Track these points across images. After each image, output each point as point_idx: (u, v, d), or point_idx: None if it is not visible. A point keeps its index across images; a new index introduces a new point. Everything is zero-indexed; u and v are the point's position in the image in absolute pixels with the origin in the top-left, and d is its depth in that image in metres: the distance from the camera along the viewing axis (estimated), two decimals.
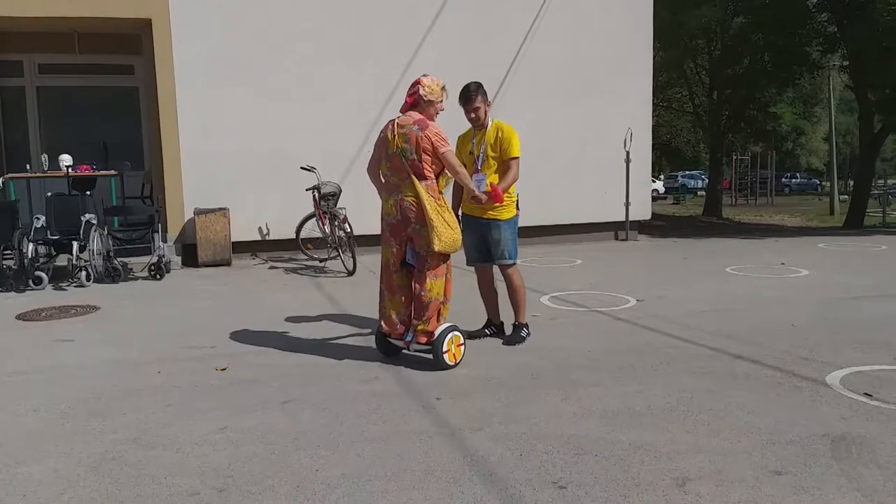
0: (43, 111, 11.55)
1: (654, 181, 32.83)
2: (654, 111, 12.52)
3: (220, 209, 9.11)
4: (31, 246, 7.66)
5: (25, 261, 7.59)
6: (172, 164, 9.33)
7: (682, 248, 11.00)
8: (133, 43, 10.21)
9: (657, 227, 13.02)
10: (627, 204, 11.17)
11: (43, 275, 7.61)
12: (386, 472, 2.99)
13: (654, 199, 12.23)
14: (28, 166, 10.27)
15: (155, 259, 8.24)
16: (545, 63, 10.62)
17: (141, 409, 3.78)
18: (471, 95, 4.79)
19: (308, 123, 9.54)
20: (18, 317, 6.25)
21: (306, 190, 8.86)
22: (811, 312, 5.91)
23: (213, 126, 9.28)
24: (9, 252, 7.80)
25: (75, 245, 7.72)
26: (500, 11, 10.46)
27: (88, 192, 8.87)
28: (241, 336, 5.39)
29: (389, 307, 4.50)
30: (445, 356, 4.37)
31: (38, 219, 7.89)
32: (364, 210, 9.24)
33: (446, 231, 4.29)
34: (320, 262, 8.89)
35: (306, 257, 9.12)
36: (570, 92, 10.78)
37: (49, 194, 8.50)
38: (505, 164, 4.83)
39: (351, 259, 8.02)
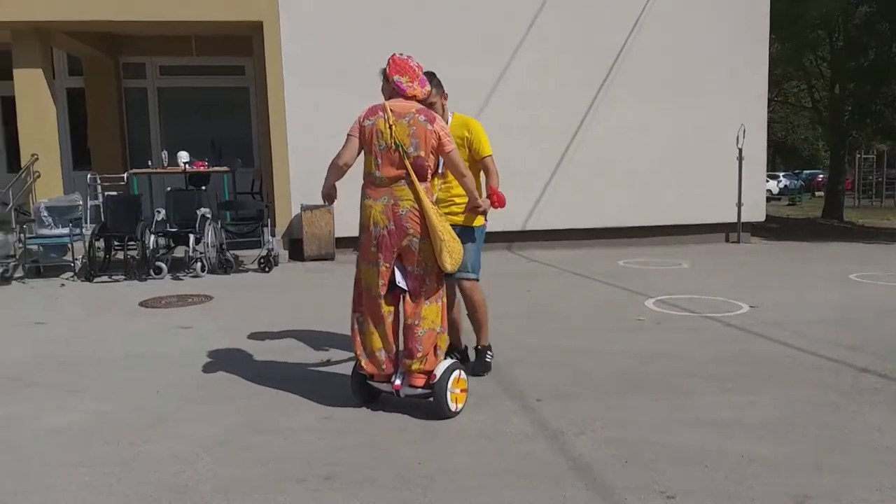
0: (163, 110, 12.31)
1: (775, 179, 30.91)
2: (769, 106, 11.86)
3: (325, 206, 9.36)
4: (152, 238, 8.17)
5: (147, 251, 8.11)
6: (280, 161, 9.70)
7: (799, 252, 10.37)
8: (245, 45, 10.70)
9: (771, 229, 12.33)
10: (739, 204, 10.65)
11: (163, 265, 8.10)
12: (487, 469, 2.97)
13: (767, 199, 11.56)
14: (149, 162, 10.99)
15: (264, 252, 8.60)
16: (651, 56, 10.28)
17: (250, 396, 3.94)
18: None
19: None
20: (141, 304, 6.67)
21: None
22: None
23: (318, 125, 9.55)
24: (132, 243, 8.34)
25: (192, 237, 8.17)
26: (604, 2, 10.20)
27: (203, 188, 9.37)
28: (343, 328, 5.52)
29: (373, 343, 3.60)
30: (450, 401, 3.54)
31: (158, 212, 8.41)
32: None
33: (455, 244, 3.54)
34: None
35: None
36: (678, 86, 10.38)
37: (168, 189, 9.05)
38: (479, 166, 4.13)
39: None
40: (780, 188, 31.38)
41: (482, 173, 4.19)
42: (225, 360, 4.69)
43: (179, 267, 8.39)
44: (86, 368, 4.57)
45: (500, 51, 9.94)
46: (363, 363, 3.63)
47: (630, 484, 2.81)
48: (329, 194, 3.80)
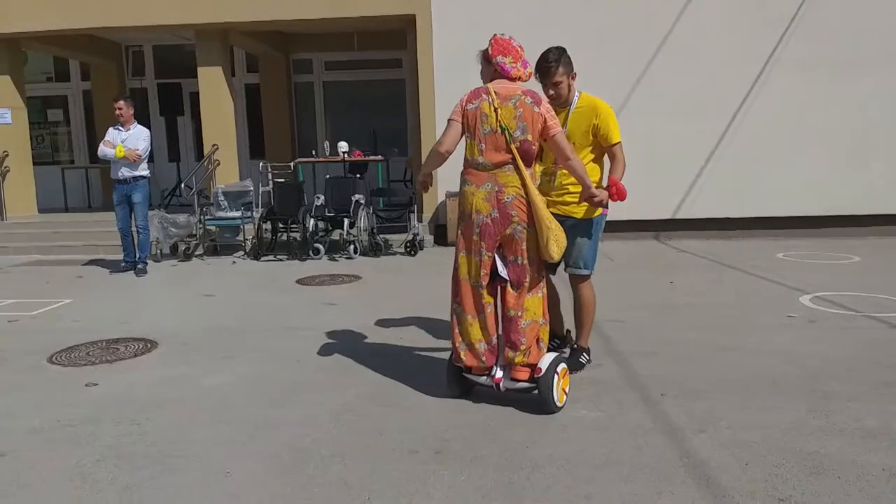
0: (327, 103, 13.13)
1: None
2: None
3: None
4: (311, 221, 8.79)
5: (307, 234, 8.74)
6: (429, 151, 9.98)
7: None
8: (401, 39, 11.11)
9: None
10: None
11: (320, 246, 8.70)
12: (595, 459, 2.94)
13: None
14: (313, 151, 11.78)
15: (410, 237, 8.96)
16: (825, 27, 9.34)
17: (381, 369, 4.17)
18: (550, 67, 3.79)
19: None
20: (298, 281, 7.23)
21: None
22: None
23: None
24: (295, 225, 9.03)
25: (346, 221, 8.69)
26: None
27: (359, 175, 9.91)
28: None
29: (472, 334, 3.48)
30: (556, 395, 3.41)
31: (318, 197, 9.03)
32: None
33: (561, 233, 3.40)
34: None
35: None
36: (855, 61, 9.34)
37: (328, 176, 9.67)
38: (606, 152, 3.90)
39: None
40: None
41: (604, 160, 3.96)
42: (362, 336, 4.97)
43: (336, 249, 8.95)
44: (242, 337, 5.06)
45: (655, 24, 9.48)
46: (462, 355, 3.51)
47: (745, 487, 2.66)
48: (424, 182, 3.73)
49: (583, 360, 4.11)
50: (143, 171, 7.70)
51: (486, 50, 3.51)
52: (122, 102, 7.64)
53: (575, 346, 4.16)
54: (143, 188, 7.73)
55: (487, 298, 3.49)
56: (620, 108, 9.54)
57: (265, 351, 4.69)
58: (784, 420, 3.31)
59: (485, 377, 3.53)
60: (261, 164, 10.24)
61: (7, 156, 10.42)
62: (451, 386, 3.65)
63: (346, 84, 12.98)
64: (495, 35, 3.53)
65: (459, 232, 3.50)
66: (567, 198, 3.88)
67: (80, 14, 9.89)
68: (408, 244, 8.94)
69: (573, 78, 3.88)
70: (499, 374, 3.49)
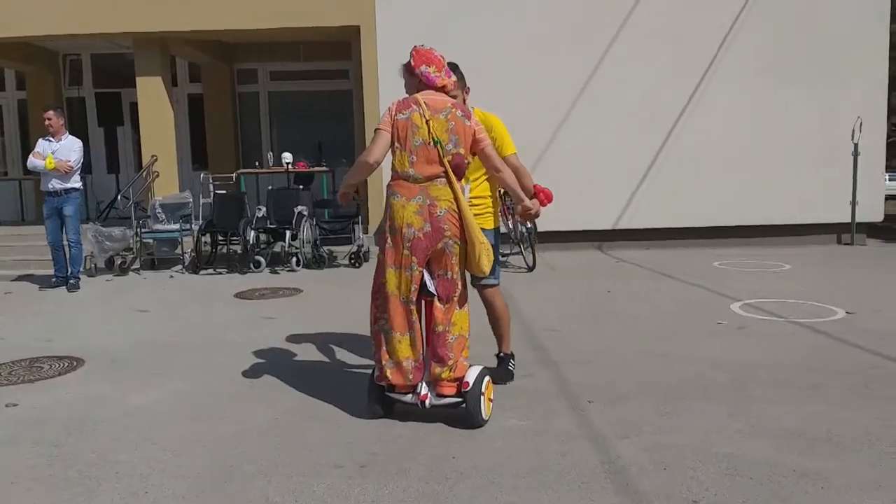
0: (273, 114, 13.01)
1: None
2: (890, 96, 10.88)
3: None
4: (252, 233, 8.67)
5: (248, 246, 8.61)
6: None
7: None
8: (347, 49, 11.10)
9: (890, 231, 11.32)
10: (854, 203, 9.86)
11: (261, 259, 8.59)
12: (520, 468, 2.97)
13: (887, 198, 10.62)
14: (257, 163, 11.64)
15: (355, 248, 8.92)
16: (756, 40, 9.68)
17: (314, 384, 4.12)
18: None
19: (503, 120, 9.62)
20: (237, 295, 7.12)
21: None
22: None
23: None
24: (235, 238, 8.89)
25: (288, 234, 8.60)
26: None
27: (302, 187, 9.82)
28: None
29: (401, 351, 3.38)
30: (483, 408, 3.38)
31: (259, 209, 8.92)
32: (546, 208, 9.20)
33: (489, 247, 3.44)
34: (503, 256, 9.01)
35: None
36: (786, 73, 9.70)
37: (270, 188, 9.56)
38: (505, 163, 3.70)
39: (531, 255, 8.02)
40: None
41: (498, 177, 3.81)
42: (298, 351, 4.92)
43: (278, 261, 8.85)
44: (175, 353, 4.95)
45: (596, 38, 9.70)
46: (388, 373, 3.40)
47: (662, 490, 2.73)
48: (346, 194, 3.65)
49: (511, 366, 4.12)
50: (76, 182, 7.49)
51: (409, 62, 3.49)
52: (51, 112, 7.42)
53: (500, 355, 4.14)
54: (74, 201, 7.51)
55: (416, 315, 3.40)
56: (560, 123, 9.76)
57: (197, 367, 4.60)
58: (705, 424, 3.40)
59: (410, 395, 3.44)
60: (202, 174, 10.07)
61: None
62: (373, 406, 3.53)
63: (292, 94, 12.87)
64: (415, 47, 3.51)
65: (387, 246, 3.39)
66: (474, 209, 3.76)
67: (14, 22, 9.59)
68: (352, 256, 8.90)
69: (467, 93, 3.87)
70: (424, 390, 3.41)
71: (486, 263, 3.41)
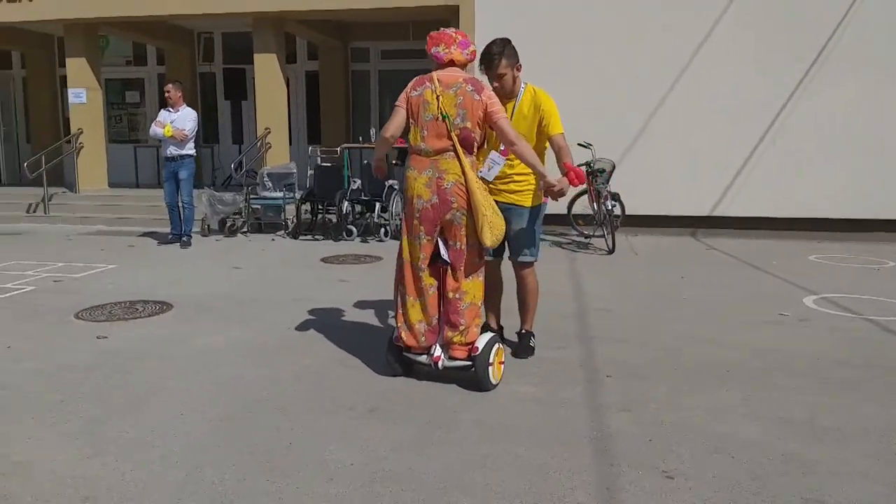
0: (382, 91, 13.54)
1: None
2: None
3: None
4: (346, 204, 9.20)
5: (342, 216, 9.15)
6: None
7: None
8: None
9: None
10: None
11: (353, 228, 9.10)
12: (512, 426, 3.16)
13: None
14: (360, 138, 12.19)
15: None
16: (869, 29, 8.98)
17: (361, 337, 4.48)
18: (493, 59, 3.79)
19: (595, 105, 9.51)
20: (322, 259, 7.64)
21: (578, 166, 8.98)
22: None
23: None
24: (332, 207, 9.46)
25: (377, 205, 9.05)
26: None
27: (395, 162, 10.21)
28: None
29: (412, 315, 3.62)
30: (492, 373, 3.58)
31: (354, 181, 9.42)
32: (635, 192, 9.06)
33: (497, 219, 3.53)
34: (585, 237, 8.99)
35: (576, 233, 9.29)
36: None
37: (365, 162, 10.05)
38: (551, 143, 3.88)
39: (611, 238, 7.97)
40: None
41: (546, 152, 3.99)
42: (356, 310, 5.31)
43: (370, 232, 9.33)
44: (250, 305, 5.49)
45: (699, 21, 9.38)
46: (403, 335, 3.65)
47: (637, 459, 2.83)
48: (379, 167, 3.88)
49: (532, 343, 4.23)
50: (190, 149, 8.30)
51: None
52: (170, 86, 8.26)
53: (522, 331, 4.25)
54: (188, 166, 8.33)
55: (429, 280, 3.60)
56: (657, 107, 9.53)
57: (263, 318, 5.09)
58: (712, 405, 3.42)
59: (424, 356, 3.66)
60: (310, 148, 10.73)
61: (81, 133, 11.34)
62: (392, 364, 3.77)
63: (401, 73, 13.31)
64: (431, 33, 3.64)
65: (404, 215, 3.65)
66: (512, 185, 3.94)
67: (158, 0, 10.61)
68: None
69: (518, 70, 3.89)
70: (438, 352, 3.62)
71: (489, 235, 3.48)
